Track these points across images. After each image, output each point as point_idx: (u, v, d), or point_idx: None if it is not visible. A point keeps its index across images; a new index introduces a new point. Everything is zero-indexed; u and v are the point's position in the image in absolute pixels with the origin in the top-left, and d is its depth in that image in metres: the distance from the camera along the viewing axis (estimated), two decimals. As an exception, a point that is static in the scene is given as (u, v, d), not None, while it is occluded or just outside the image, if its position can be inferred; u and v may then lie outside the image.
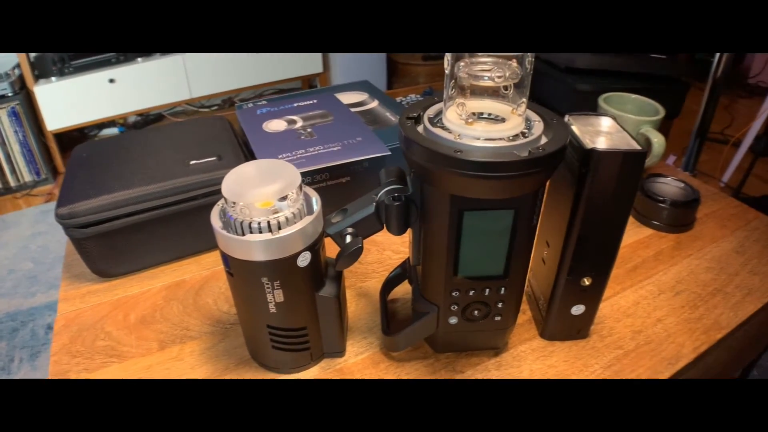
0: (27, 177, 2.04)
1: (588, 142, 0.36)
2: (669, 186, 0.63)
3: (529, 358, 0.44)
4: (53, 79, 1.95)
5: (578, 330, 0.45)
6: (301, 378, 0.42)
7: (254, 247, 0.35)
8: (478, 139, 0.32)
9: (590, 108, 0.68)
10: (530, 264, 0.39)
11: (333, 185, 0.57)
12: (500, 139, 0.32)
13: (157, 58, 2.10)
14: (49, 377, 0.43)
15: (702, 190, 0.64)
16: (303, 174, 0.42)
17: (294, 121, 0.65)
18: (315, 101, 0.71)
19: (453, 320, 0.40)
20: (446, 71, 0.34)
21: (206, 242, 0.56)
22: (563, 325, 0.44)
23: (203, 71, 2.21)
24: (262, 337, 0.40)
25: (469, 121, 0.33)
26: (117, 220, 0.50)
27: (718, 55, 1.15)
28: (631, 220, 0.61)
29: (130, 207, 0.50)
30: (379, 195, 0.37)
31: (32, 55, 1.91)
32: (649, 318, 0.48)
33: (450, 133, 0.33)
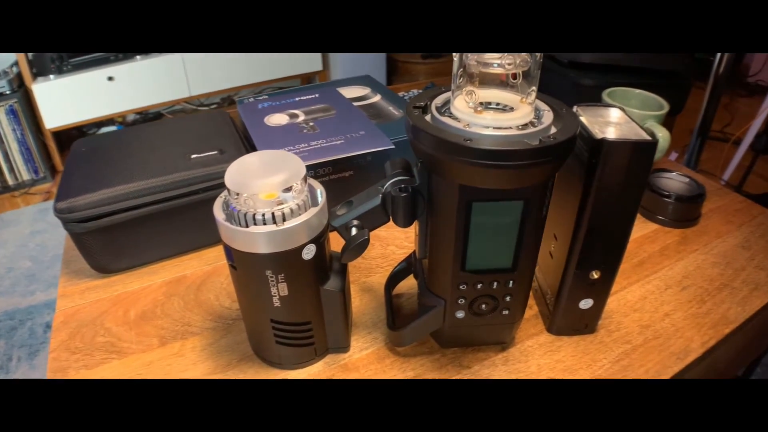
0: (25, 175, 2.03)
1: (598, 132, 0.35)
2: (674, 181, 0.63)
3: (537, 353, 0.44)
4: (51, 77, 1.94)
5: (586, 324, 0.44)
6: (305, 374, 0.42)
7: (258, 239, 0.34)
8: (488, 127, 0.31)
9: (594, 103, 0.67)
10: (538, 258, 0.39)
11: (336, 179, 0.56)
12: (510, 128, 0.31)
13: (156, 56, 2.10)
14: (48, 374, 0.42)
15: (706, 185, 0.63)
16: (306, 168, 0.41)
17: (296, 115, 0.64)
18: (317, 95, 0.71)
19: (460, 314, 0.40)
20: (455, 59, 0.33)
21: (207, 237, 0.55)
22: (571, 320, 0.44)
23: (202, 69, 2.20)
24: (265, 332, 0.39)
25: (478, 110, 0.32)
26: (117, 214, 0.49)
27: (719, 54, 1.14)
28: (636, 215, 0.61)
29: (131, 201, 0.49)
30: (385, 186, 0.37)
31: (30, 53, 1.90)
32: (656, 313, 0.48)
33: (458, 121, 0.32)
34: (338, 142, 0.57)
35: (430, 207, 0.36)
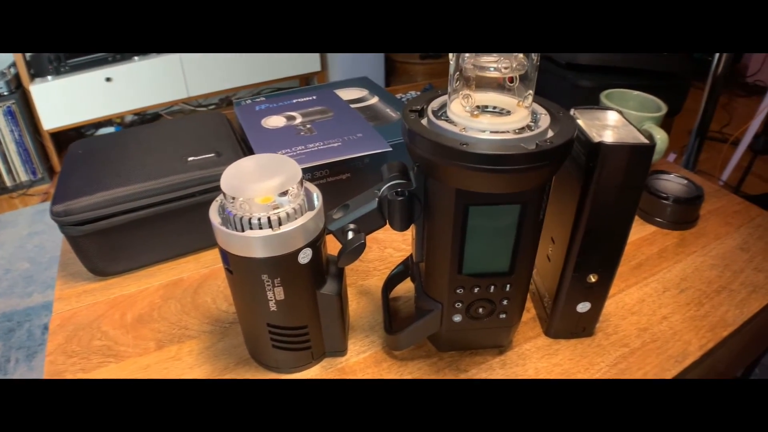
0: (23, 177, 2.02)
1: (595, 136, 0.35)
2: (672, 183, 0.63)
3: (534, 356, 0.43)
4: (49, 77, 1.93)
5: (583, 328, 0.44)
6: (302, 378, 0.42)
7: (254, 244, 0.34)
8: (484, 131, 0.31)
9: (591, 104, 0.67)
10: (535, 261, 0.39)
11: (333, 182, 0.56)
12: (506, 131, 0.31)
13: (154, 56, 2.09)
14: (45, 378, 0.42)
15: (704, 187, 0.63)
16: (303, 170, 0.41)
17: (293, 117, 0.64)
18: (314, 97, 0.70)
19: (457, 318, 0.39)
20: (451, 62, 0.33)
21: (204, 240, 0.55)
22: (568, 323, 0.44)
23: (200, 70, 2.20)
24: (262, 335, 0.39)
25: (475, 113, 0.32)
26: (113, 217, 0.49)
27: (717, 54, 1.14)
28: (634, 217, 0.61)
29: (127, 204, 0.49)
30: (381, 190, 0.36)
31: (28, 53, 1.90)
32: (654, 315, 0.48)
33: (455, 125, 0.32)
34: (335, 145, 0.57)
35: (427, 210, 0.36)
